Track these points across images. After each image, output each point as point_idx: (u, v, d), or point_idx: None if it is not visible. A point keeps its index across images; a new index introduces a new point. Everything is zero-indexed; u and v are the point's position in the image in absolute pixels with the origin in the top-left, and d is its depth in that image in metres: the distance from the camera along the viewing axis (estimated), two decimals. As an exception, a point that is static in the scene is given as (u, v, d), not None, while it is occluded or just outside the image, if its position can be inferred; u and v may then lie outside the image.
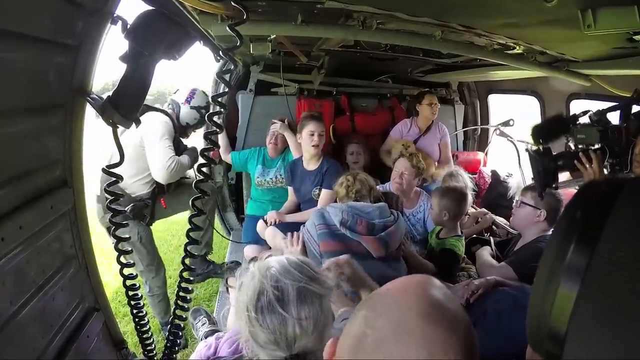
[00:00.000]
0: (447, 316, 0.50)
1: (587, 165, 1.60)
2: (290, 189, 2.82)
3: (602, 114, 1.64)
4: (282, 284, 0.84)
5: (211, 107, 2.72)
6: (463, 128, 3.68)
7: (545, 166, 1.65)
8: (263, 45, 2.26)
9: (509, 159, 3.30)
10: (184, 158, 2.59)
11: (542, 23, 1.49)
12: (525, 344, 1.42)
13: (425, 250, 2.24)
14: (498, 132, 3.16)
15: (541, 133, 1.72)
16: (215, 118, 1.45)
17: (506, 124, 3.12)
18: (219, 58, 3.04)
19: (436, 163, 3.17)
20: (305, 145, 2.61)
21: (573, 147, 1.69)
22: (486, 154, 3.56)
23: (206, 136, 1.24)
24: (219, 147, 3.11)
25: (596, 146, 1.63)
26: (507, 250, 2.20)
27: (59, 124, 0.94)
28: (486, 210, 2.63)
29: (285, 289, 0.84)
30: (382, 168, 3.14)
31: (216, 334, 1.54)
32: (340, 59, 2.95)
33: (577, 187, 1.76)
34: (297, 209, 2.76)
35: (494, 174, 3.19)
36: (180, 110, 2.73)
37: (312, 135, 2.55)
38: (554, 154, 1.68)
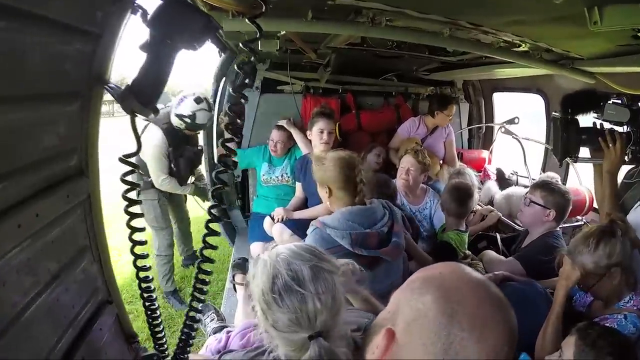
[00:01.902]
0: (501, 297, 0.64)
1: (611, 145, 1.59)
2: (298, 185, 2.83)
3: (634, 99, 1.64)
4: (295, 266, 0.86)
5: (197, 115, 2.84)
6: (468, 126, 3.69)
7: (570, 135, 1.64)
8: (271, 42, 2.28)
9: (514, 156, 3.31)
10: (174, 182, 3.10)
11: (549, 20, 1.50)
12: (534, 339, 1.45)
13: (431, 248, 2.26)
14: (503, 130, 3.17)
15: (571, 103, 1.70)
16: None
17: (511, 121, 3.13)
18: (221, 53, 3.09)
19: (441, 161, 3.19)
20: (315, 142, 2.61)
21: (599, 126, 1.68)
22: (491, 152, 3.56)
23: (227, 126, 1.25)
24: (238, 139, 3.22)
25: (622, 129, 1.63)
26: (515, 246, 2.21)
27: (77, 112, 0.92)
28: (492, 208, 2.65)
29: (298, 269, 0.86)
30: (389, 166, 3.16)
31: (226, 328, 1.55)
32: (346, 57, 2.96)
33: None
34: (304, 205, 2.77)
35: (499, 172, 3.21)
36: (171, 114, 2.91)
37: (322, 132, 2.55)
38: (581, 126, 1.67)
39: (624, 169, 1.78)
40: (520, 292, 1.62)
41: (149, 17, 0.95)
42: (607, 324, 1.37)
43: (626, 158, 1.62)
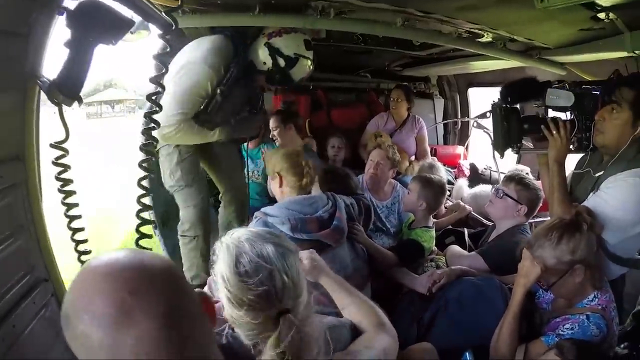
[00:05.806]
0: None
1: (554, 132, 1.53)
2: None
3: (578, 85, 1.58)
4: (258, 245, 0.87)
5: (300, 62, 2.00)
6: (441, 121, 3.67)
7: (510, 124, 1.57)
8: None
9: (489, 152, 3.28)
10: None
11: (498, 3, 1.47)
12: (490, 335, 1.39)
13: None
14: (475, 124, 3.14)
15: (511, 92, 1.64)
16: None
17: (483, 116, 3.09)
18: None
19: (413, 157, 3.15)
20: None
21: (541, 115, 1.63)
22: (467, 148, 3.54)
23: (146, 115, 1.21)
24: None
25: (565, 116, 1.57)
26: (481, 241, 2.16)
27: (14, 103, 1.03)
28: (462, 202, 2.60)
29: (262, 247, 0.86)
30: (362, 162, 3.11)
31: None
32: (316, 54, 2.93)
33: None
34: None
35: (472, 167, 3.18)
36: (255, 42, 1.97)
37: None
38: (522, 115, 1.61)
39: (574, 160, 1.72)
40: (476, 287, 1.57)
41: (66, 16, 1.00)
42: (569, 325, 1.30)
43: (572, 147, 1.56)
